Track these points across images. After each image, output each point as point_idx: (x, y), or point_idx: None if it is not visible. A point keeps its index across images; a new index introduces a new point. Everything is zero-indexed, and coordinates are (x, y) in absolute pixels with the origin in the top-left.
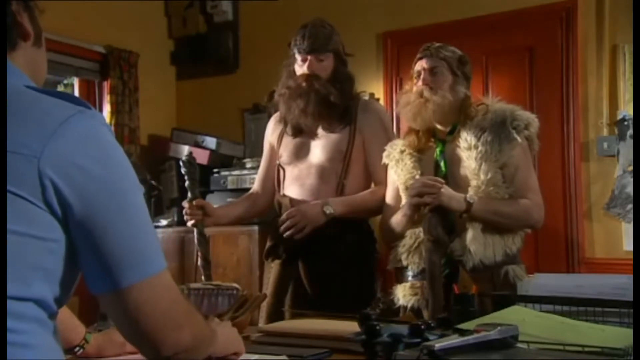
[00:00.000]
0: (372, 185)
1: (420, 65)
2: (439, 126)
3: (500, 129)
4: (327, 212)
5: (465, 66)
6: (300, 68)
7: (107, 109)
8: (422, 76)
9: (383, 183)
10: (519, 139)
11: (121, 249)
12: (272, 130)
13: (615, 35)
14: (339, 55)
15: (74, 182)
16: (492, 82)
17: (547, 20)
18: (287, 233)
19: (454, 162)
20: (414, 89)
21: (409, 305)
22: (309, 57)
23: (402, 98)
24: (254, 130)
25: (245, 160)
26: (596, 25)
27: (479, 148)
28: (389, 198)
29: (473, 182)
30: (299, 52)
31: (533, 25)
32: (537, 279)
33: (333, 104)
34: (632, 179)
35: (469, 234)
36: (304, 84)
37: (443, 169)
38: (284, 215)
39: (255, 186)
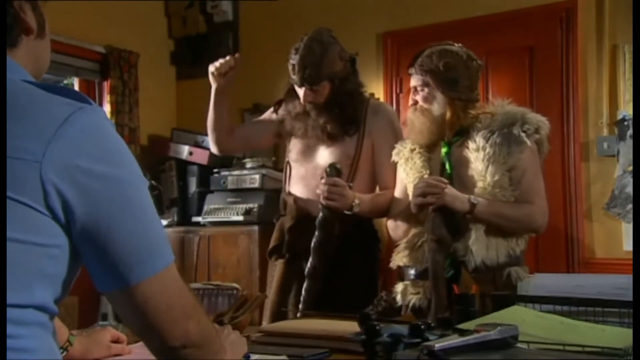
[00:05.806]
0: (377, 189)
1: (410, 81)
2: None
3: (509, 132)
4: (354, 209)
5: (453, 72)
6: (299, 92)
7: (107, 109)
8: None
9: (389, 187)
10: (528, 142)
11: (128, 247)
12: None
13: (615, 35)
14: (336, 77)
15: (77, 184)
16: (492, 82)
17: (547, 20)
18: (324, 195)
19: (461, 163)
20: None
21: (410, 304)
22: (303, 88)
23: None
24: None
25: (245, 160)
26: (596, 25)
27: (487, 150)
28: (397, 196)
29: (479, 184)
30: (293, 82)
31: (533, 25)
32: (536, 279)
33: (331, 132)
34: (632, 179)
35: (472, 235)
36: (301, 113)
37: (448, 169)
38: (331, 180)
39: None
